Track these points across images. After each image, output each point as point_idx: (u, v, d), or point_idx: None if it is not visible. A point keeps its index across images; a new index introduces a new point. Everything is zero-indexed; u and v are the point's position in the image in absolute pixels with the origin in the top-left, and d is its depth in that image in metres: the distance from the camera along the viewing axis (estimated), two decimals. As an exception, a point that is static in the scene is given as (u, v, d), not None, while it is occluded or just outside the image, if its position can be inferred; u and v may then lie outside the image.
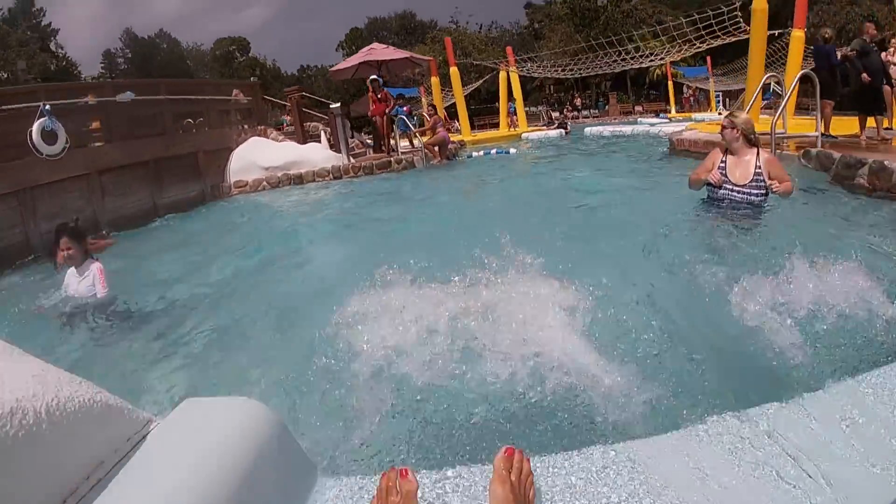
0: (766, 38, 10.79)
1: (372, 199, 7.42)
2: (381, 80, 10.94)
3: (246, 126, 10.69)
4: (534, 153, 11.58)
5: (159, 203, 8.83)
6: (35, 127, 6.73)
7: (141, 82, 12.33)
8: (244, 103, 11.13)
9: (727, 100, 29.53)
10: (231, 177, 9.67)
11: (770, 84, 21.83)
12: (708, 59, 27.78)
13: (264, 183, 9.43)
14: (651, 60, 16.48)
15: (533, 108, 31.78)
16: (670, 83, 29.63)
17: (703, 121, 15.20)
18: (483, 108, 33.51)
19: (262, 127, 10.97)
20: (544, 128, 19.43)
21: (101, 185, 8.17)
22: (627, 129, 14.36)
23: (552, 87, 37.67)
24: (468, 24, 40.22)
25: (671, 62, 28.99)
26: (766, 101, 21.62)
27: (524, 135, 15.75)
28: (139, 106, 8.95)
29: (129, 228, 7.90)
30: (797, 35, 11.54)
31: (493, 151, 11.35)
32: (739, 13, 11.32)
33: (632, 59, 15.33)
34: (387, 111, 10.27)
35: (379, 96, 10.46)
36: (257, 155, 9.73)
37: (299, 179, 9.37)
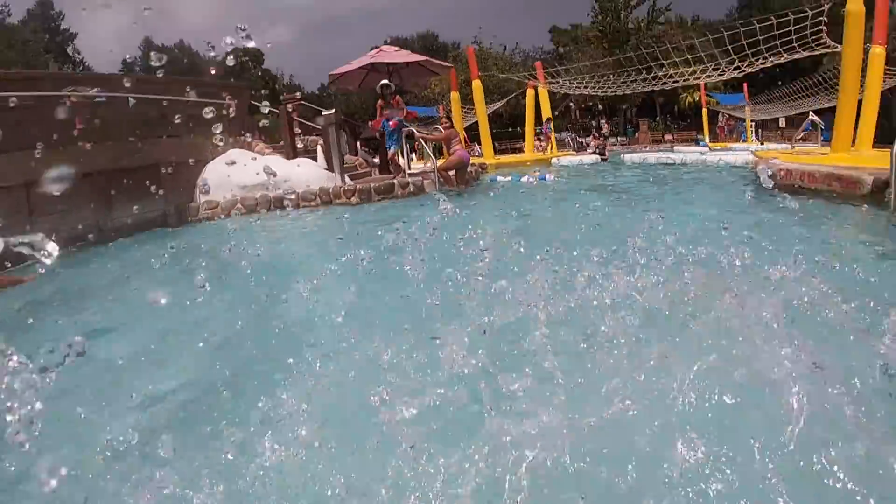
0: (861, 48, 8.82)
1: (361, 241, 5.44)
2: (392, 86, 9.15)
3: (228, 135, 8.90)
4: (577, 182, 9.45)
5: (105, 226, 7.10)
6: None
7: (96, 76, 10.75)
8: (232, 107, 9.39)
9: (759, 130, 27.54)
10: (201, 196, 7.88)
11: (809, 114, 19.93)
12: (744, 85, 25.86)
13: (238, 205, 7.58)
14: (696, 78, 14.57)
15: (557, 135, 30.09)
16: (704, 110, 27.83)
17: (755, 150, 13.26)
18: (504, 133, 31.89)
19: (247, 138, 9.20)
20: (573, 153, 17.63)
21: (30, 201, 6.52)
22: (676, 156, 12.42)
23: (577, 112, 36.01)
24: (491, 45, 38.84)
25: (705, 89, 27.19)
26: (804, 133, 19.68)
27: (554, 160, 13.81)
28: (86, 105, 7.29)
29: (63, 256, 6.23)
30: (877, 52, 9.58)
31: (526, 178, 9.28)
32: (825, 19, 9.35)
33: (680, 76, 13.41)
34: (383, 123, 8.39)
35: (391, 102, 8.64)
36: (233, 170, 7.93)
37: (280, 203, 7.49)
